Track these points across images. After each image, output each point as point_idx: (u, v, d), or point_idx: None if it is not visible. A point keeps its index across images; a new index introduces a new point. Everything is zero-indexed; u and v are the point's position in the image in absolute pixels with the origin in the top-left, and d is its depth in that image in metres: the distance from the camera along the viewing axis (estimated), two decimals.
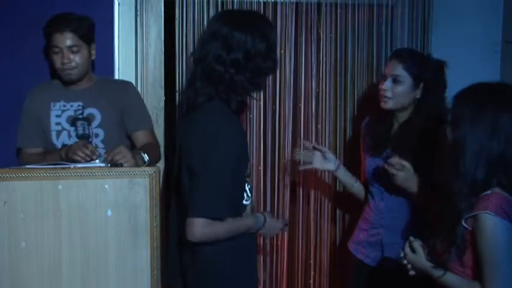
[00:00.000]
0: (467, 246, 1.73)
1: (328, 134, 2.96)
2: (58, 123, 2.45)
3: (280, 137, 2.93)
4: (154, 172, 2.01)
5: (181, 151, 1.99)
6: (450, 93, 1.91)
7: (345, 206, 2.96)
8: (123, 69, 2.76)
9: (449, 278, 1.77)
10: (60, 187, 1.96)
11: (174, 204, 2.09)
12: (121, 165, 2.06)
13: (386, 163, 2.19)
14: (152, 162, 2.28)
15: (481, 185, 1.73)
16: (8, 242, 1.95)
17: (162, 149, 2.68)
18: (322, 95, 2.94)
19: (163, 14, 2.77)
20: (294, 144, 2.89)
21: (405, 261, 1.86)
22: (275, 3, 2.85)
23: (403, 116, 2.35)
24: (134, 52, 2.76)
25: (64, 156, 2.21)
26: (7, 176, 1.94)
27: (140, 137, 2.51)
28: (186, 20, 2.77)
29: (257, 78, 1.94)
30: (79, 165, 2.07)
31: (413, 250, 1.84)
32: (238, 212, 1.97)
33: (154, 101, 2.78)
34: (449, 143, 1.80)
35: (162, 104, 2.81)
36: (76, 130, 2.44)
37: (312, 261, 3.03)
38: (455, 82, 1.96)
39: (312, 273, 3.03)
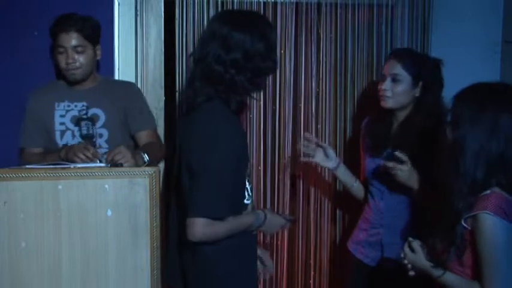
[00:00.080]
0: (466, 246, 1.73)
1: (328, 134, 2.96)
2: (62, 123, 2.45)
3: (280, 137, 2.93)
4: (154, 172, 2.00)
5: (181, 151, 1.99)
6: (450, 93, 1.90)
7: (345, 205, 2.96)
8: (123, 69, 2.76)
9: (449, 277, 1.77)
10: (60, 187, 1.96)
11: (174, 204, 2.09)
12: (121, 165, 2.06)
13: (387, 159, 2.19)
14: (154, 162, 2.28)
15: (481, 185, 1.73)
16: (8, 242, 1.95)
17: None
18: (322, 95, 2.94)
19: (163, 14, 2.77)
20: (294, 144, 2.89)
21: (405, 261, 1.87)
22: (275, 3, 2.85)
23: (402, 115, 2.36)
24: (134, 52, 2.76)
25: (64, 157, 2.21)
26: (7, 176, 1.94)
27: (144, 137, 2.51)
28: (186, 20, 2.77)
29: (257, 78, 1.94)
30: (79, 165, 2.07)
31: (412, 250, 1.85)
32: (239, 212, 1.97)
33: (154, 101, 2.78)
34: (449, 143, 1.80)
35: (162, 104, 2.81)
36: (80, 130, 2.44)
37: (312, 261, 3.03)
38: (455, 82, 1.95)
39: (312, 273, 3.03)
